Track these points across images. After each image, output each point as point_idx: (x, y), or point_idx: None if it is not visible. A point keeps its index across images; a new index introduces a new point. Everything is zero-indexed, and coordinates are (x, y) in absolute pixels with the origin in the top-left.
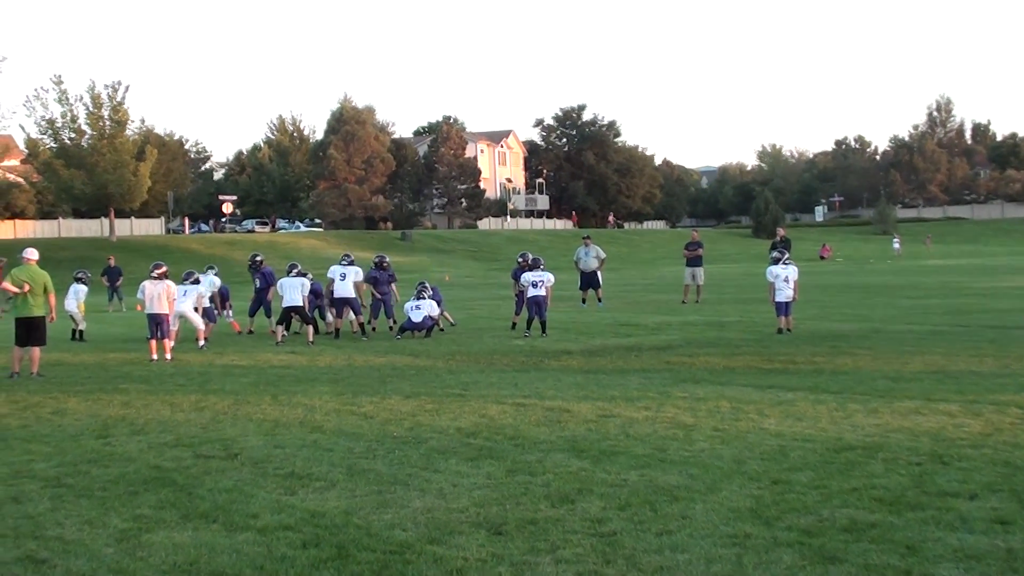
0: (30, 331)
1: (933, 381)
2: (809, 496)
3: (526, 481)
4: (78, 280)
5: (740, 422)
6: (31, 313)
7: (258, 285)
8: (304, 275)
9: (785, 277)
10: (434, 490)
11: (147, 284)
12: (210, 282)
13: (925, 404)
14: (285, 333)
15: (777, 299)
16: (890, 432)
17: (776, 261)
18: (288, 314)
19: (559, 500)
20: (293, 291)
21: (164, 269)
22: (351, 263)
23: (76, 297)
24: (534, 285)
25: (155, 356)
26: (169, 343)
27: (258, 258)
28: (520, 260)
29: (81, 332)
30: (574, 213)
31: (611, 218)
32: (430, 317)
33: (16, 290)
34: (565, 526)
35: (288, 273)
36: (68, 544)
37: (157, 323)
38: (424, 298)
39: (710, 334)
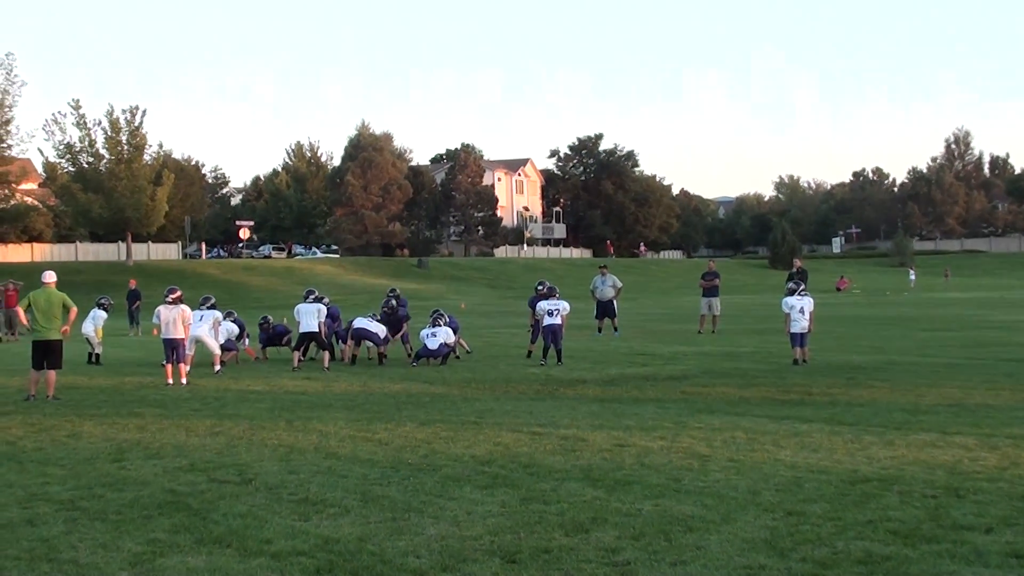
0: (47, 354)
1: (949, 414)
2: (824, 528)
3: (540, 510)
4: (100, 306)
5: (755, 453)
6: (47, 336)
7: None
8: (320, 300)
9: (801, 308)
10: (448, 517)
11: (162, 309)
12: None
13: (941, 437)
14: (302, 358)
15: (792, 330)
16: (906, 465)
17: (792, 292)
18: (305, 340)
19: (573, 529)
20: (309, 317)
21: (179, 294)
22: (397, 298)
23: (94, 322)
24: (550, 314)
25: (171, 380)
26: (185, 367)
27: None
28: (539, 288)
29: (97, 356)
30: (609, 243)
31: (642, 247)
32: (446, 344)
33: (25, 321)
34: (579, 555)
35: (305, 299)
36: (82, 567)
37: (173, 348)
38: (440, 325)
39: (726, 364)
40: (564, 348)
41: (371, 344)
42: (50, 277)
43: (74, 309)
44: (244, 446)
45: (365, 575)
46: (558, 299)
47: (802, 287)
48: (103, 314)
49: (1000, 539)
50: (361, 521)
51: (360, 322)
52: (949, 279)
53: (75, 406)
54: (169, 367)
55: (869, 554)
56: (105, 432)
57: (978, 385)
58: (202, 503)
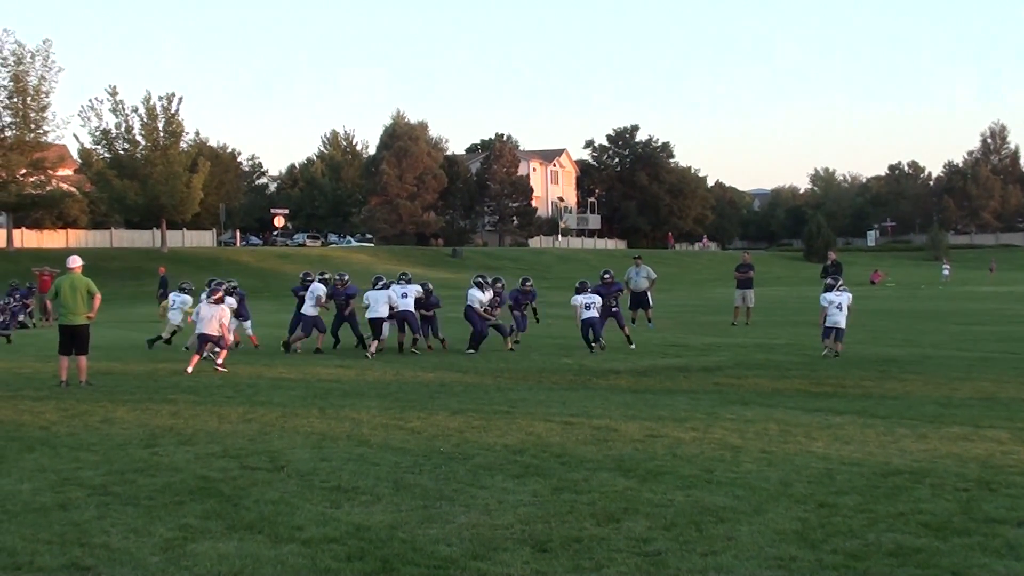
0: (73, 339)
1: (982, 407)
2: (855, 520)
3: (572, 499)
4: (181, 290)
5: (788, 444)
6: (73, 322)
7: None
8: (388, 286)
9: (839, 304)
10: (479, 506)
11: (203, 307)
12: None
13: (974, 430)
14: (377, 344)
15: (827, 324)
16: (938, 458)
17: (830, 288)
18: (377, 326)
19: (604, 519)
20: (378, 303)
21: (220, 294)
22: (409, 281)
23: (182, 307)
24: (587, 307)
25: (190, 370)
26: (223, 354)
27: (310, 276)
28: (606, 276)
29: (167, 338)
30: (670, 234)
31: (670, 238)
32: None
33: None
34: (610, 545)
35: (374, 285)
36: (113, 552)
37: (203, 342)
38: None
39: (759, 356)
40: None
41: (409, 332)
42: (75, 262)
43: (98, 295)
44: (276, 433)
45: (396, 562)
46: (591, 292)
47: (840, 282)
48: (187, 298)
49: None
50: (392, 509)
51: (403, 306)
52: (995, 273)
53: (108, 392)
54: (196, 358)
55: (900, 546)
56: (138, 418)
57: (1012, 379)
58: (234, 489)
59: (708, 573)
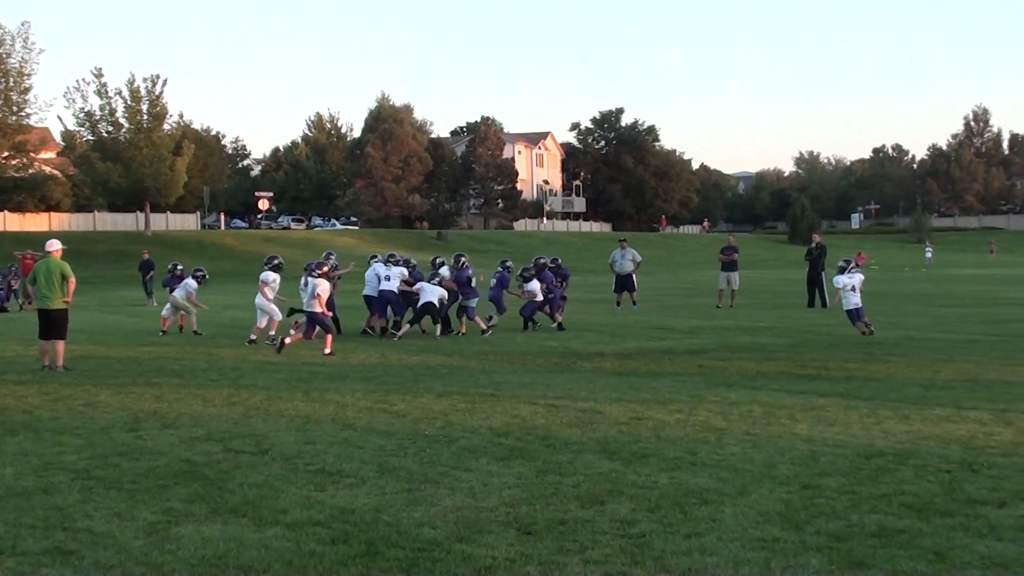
0: (49, 324)
1: (965, 389)
2: (838, 501)
3: (556, 481)
4: (193, 276)
5: (772, 427)
6: (48, 306)
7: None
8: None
9: (852, 286)
10: (464, 489)
11: (309, 284)
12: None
13: (956, 412)
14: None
15: (846, 307)
16: (921, 439)
17: (842, 271)
18: (423, 312)
19: (589, 501)
20: (431, 293)
21: (326, 269)
22: (397, 263)
23: (184, 289)
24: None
25: (288, 340)
26: (329, 338)
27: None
28: (551, 264)
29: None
30: (664, 217)
31: (663, 221)
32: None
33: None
34: (594, 527)
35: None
36: (97, 536)
37: (313, 322)
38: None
39: (743, 339)
40: (581, 321)
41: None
42: (53, 246)
43: (71, 279)
44: (261, 416)
45: (380, 545)
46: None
47: (852, 264)
48: (193, 284)
49: (1014, 513)
50: (377, 492)
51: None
52: (995, 255)
53: (92, 375)
54: (300, 336)
55: (883, 527)
56: (122, 402)
57: (994, 361)
58: (218, 473)
59: (692, 555)
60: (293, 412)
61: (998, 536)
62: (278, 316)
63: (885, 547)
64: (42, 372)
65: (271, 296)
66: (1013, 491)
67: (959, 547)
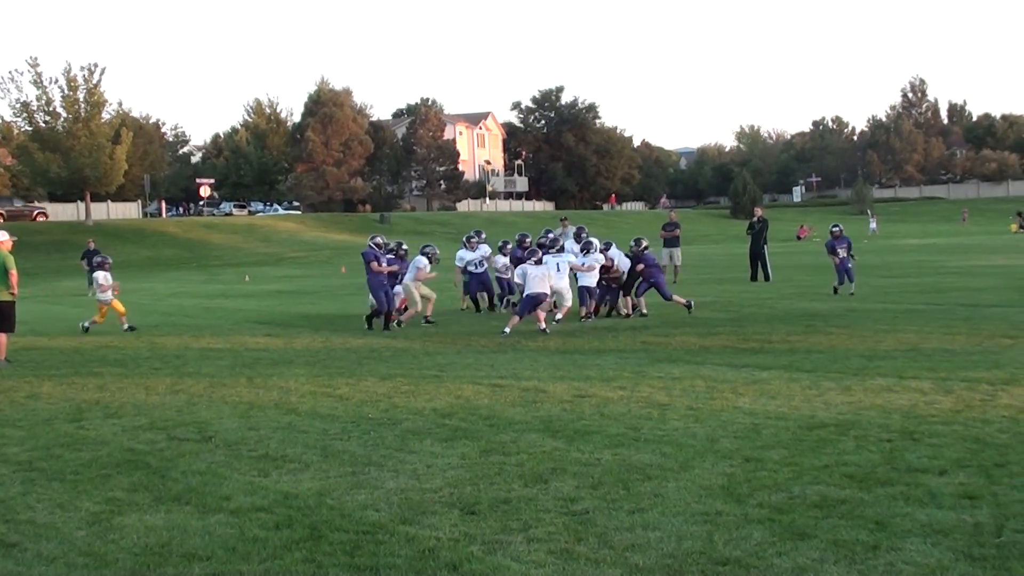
0: None
1: (906, 359)
2: (781, 473)
3: (500, 461)
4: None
5: (714, 401)
6: None
7: None
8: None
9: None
10: (408, 471)
11: (529, 267)
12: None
13: (897, 382)
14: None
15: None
16: (862, 410)
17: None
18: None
19: (532, 480)
20: (539, 281)
21: (540, 255)
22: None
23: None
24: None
25: (508, 330)
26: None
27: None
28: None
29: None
30: (613, 196)
31: (612, 199)
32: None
33: None
34: (538, 505)
35: (536, 263)
36: (39, 527)
37: (532, 304)
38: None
39: (686, 314)
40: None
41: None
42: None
43: (13, 271)
44: (204, 404)
45: (324, 529)
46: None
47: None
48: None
49: (953, 481)
50: (321, 476)
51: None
52: (967, 223)
53: (34, 367)
54: (517, 319)
55: (824, 498)
56: (64, 392)
57: (935, 330)
58: (161, 461)
59: (635, 530)
60: (236, 398)
61: (939, 504)
62: (423, 300)
63: (827, 517)
64: None
65: (423, 278)
66: (953, 459)
67: (900, 515)
